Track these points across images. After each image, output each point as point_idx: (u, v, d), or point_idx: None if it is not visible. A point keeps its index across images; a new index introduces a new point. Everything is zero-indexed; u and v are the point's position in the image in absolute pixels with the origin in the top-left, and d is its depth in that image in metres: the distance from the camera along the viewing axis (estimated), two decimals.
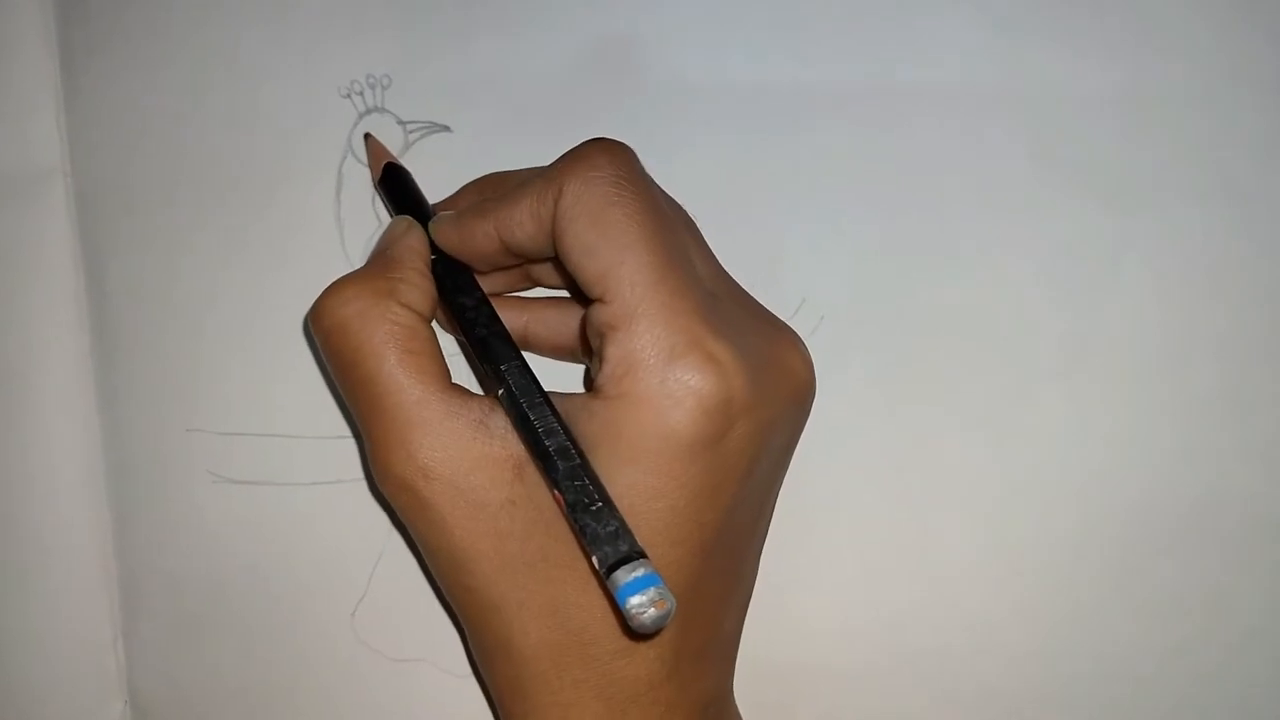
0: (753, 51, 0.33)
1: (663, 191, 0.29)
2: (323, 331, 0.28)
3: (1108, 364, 0.33)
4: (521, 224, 0.28)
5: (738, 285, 0.30)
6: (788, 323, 0.30)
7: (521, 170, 0.32)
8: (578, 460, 0.26)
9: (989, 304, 0.33)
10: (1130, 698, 0.34)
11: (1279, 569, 0.34)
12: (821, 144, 0.33)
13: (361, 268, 0.29)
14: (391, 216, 0.32)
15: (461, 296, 0.29)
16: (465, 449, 0.27)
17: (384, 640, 0.34)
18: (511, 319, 0.32)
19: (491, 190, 0.31)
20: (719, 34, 0.33)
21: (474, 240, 0.29)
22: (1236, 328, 0.33)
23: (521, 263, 0.31)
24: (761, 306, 0.30)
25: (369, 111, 0.33)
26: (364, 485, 0.34)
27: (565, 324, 0.32)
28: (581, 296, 0.30)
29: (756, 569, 0.31)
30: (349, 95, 0.33)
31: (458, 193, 0.32)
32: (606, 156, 0.27)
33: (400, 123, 0.33)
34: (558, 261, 0.30)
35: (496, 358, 0.28)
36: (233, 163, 0.34)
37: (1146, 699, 0.34)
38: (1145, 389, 0.33)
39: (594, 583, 0.27)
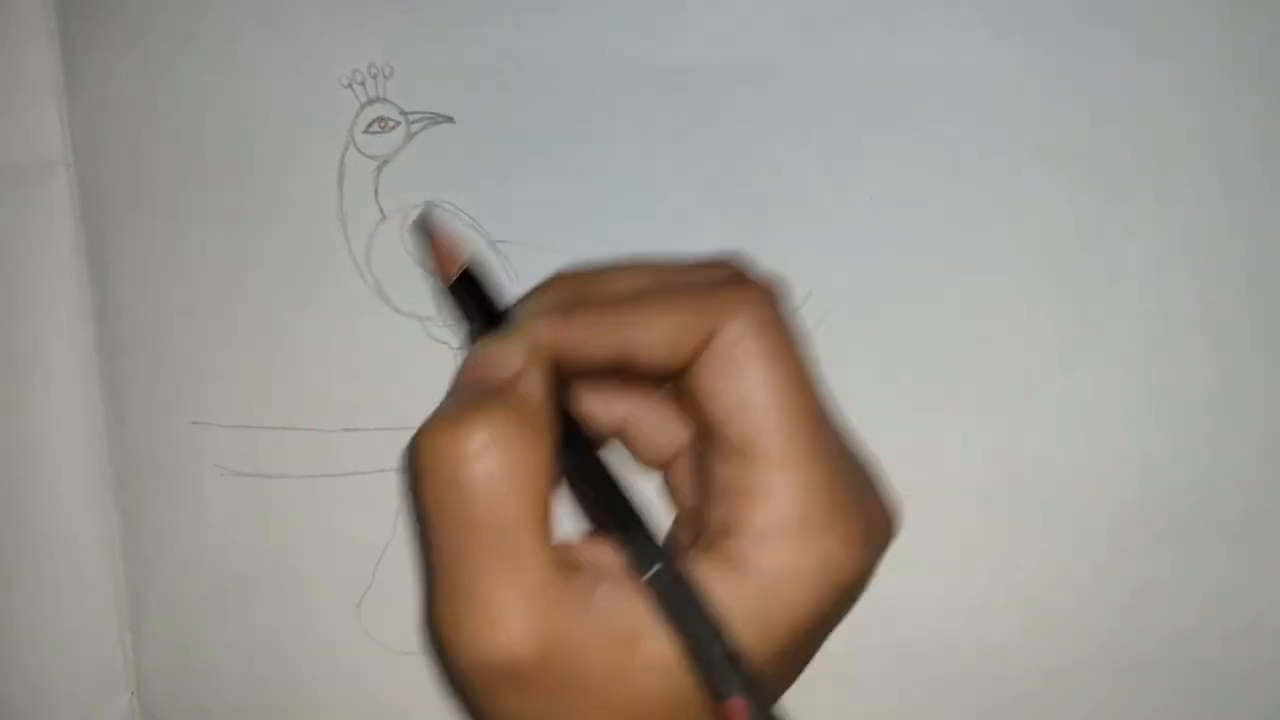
0: (760, 41, 0.33)
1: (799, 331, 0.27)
2: (452, 466, 0.24)
3: (1109, 356, 0.33)
4: (652, 346, 0.25)
5: (847, 429, 0.28)
6: None
7: (625, 270, 0.28)
8: (750, 672, 0.24)
9: (992, 297, 0.33)
10: (1128, 689, 0.34)
11: (1278, 561, 0.34)
12: (827, 136, 0.33)
13: (497, 399, 0.25)
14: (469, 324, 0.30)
15: (598, 476, 0.26)
16: (578, 626, 0.24)
17: (389, 632, 0.34)
18: (610, 408, 0.29)
19: (589, 293, 0.27)
20: (726, 24, 0.33)
21: (585, 350, 0.26)
22: (1236, 320, 0.33)
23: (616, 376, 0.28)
24: (855, 446, 0.28)
25: (371, 101, 0.33)
26: (369, 478, 0.34)
27: (668, 431, 0.29)
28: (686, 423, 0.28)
29: None
30: (350, 85, 0.33)
31: (537, 291, 0.28)
32: (770, 303, 0.26)
33: (402, 113, 0.33)
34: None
35: (649, 556, 0.25)
36: (234, 153, 0.33)
37: (1144, 689, 0.34)
38: (1146, 381, 0.33)
39: None
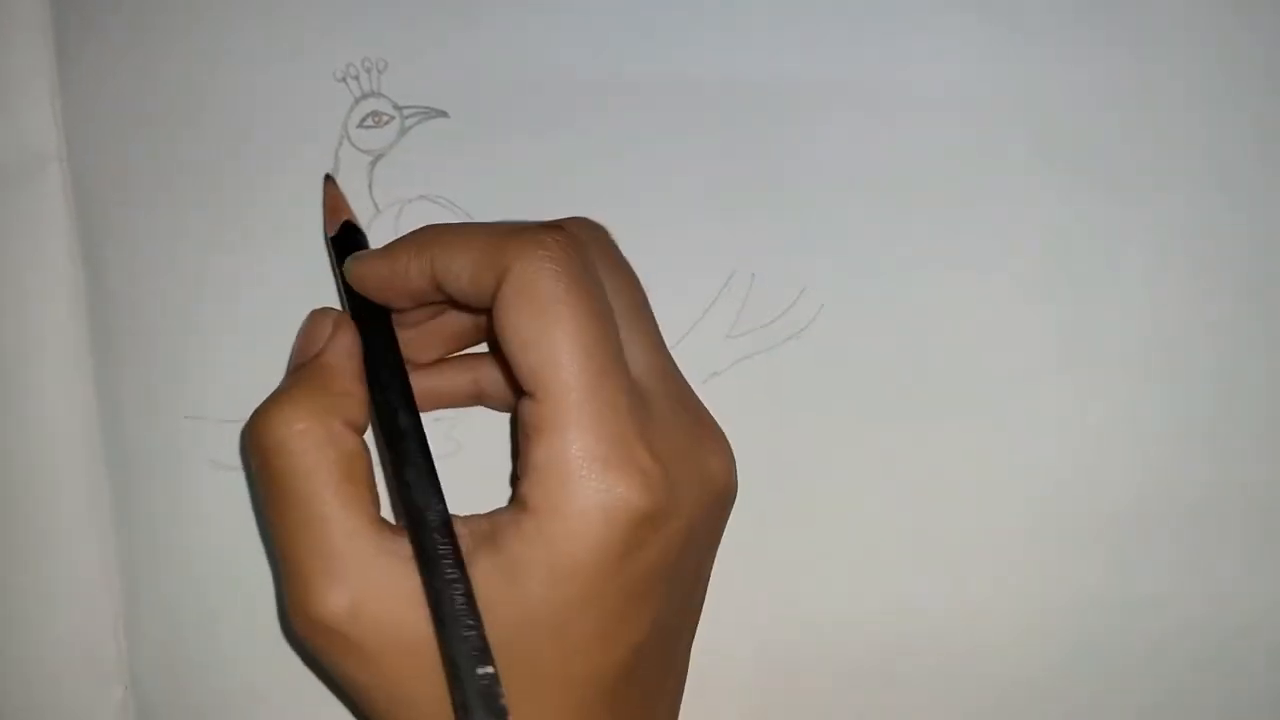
0: (756, 42, 0.33)
1: (621, 265, 0.29)
2: (261, 451, 0.27)
3: (1106, 355, 0.33)
4: (458, 276, 0.27)
5: (676, 376, 0.29)
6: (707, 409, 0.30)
7: (463, 225, 0.31)
8: (474, 630, 0.25)
9: (988, 295, 0.33)
10: (1127, 688, 0.34)
11: (1276, 557, 0.34)
12: (823, 135, 0.33)
13: (296, 378, 0.28)
14: (337, 274, 0.31)
15: (394, 416, 0.28)
16: (394, 586, 0.26)
17: None
18: (459, 376, 0.31)
19: (429, 235, 0.29)
20: (722, 25, 0.33)
21: (406, 274, 0.28)
22: (1232, 318, 0.33)
23: (448, 305, 0.30)
24: (695, 400, 0.29)
25: (365, 96, 0.33)
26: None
27: (473, 378, 0.32)
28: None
29: (688, 657, 0.31)
30: (345, 79, 0.33)
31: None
32: (559, 245, 0.26)
33: (396, 108, 0.33)
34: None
35: (417, 503, 0.26)
36: (228, 148, 0.33)
37: (1142, 689, 0.34)
38: (1143, 379, 0.33)
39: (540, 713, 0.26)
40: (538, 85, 0.33)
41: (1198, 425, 0.34)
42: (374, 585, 0.26)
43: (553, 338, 0.26)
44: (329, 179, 0.32)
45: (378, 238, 0.33)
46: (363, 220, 0.33)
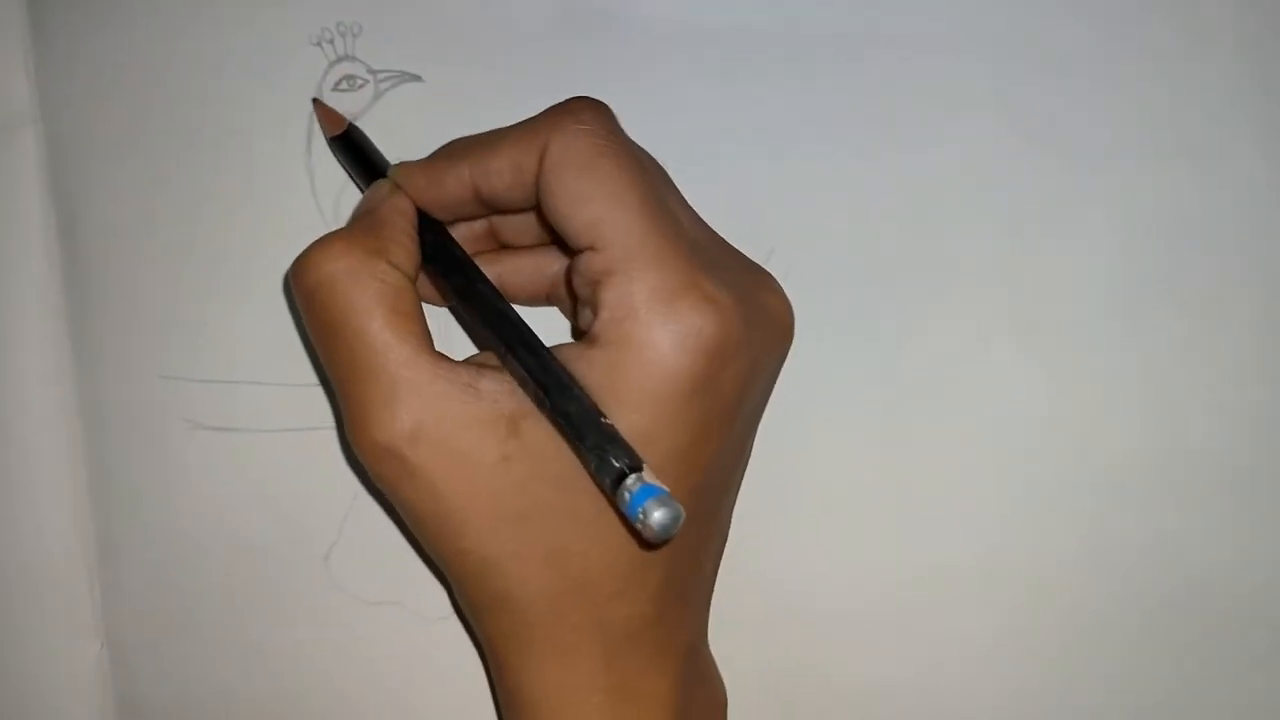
0: (726, 2, 0.33)
1: (639, 146, 0.29)
2: (306, 288, 0.27)
3: (1070, 319, 0.34)
4: (500, 172, 0.28)
5: (715, 232, 0.30)
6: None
7: (490, 130, 0.31)
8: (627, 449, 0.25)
9: (953, 259, 0.34)
10: (1095, 645, 0.35)
11: (1236, 519, 0.34)
12: (791, 97, 0.33)
13: (347, 226, 0.29)
14: (353, 178, 0.32)
15: (452, 250, 0.29)
16: (455, 410, 0.26)
17: (357, 584, 0.34)
18: (485, 270, 0.32)
19: (461, 145, 0.30)
20: None
21: (444, 186, 0.29)
22: (1194, 285, 0.34)
23: (486, 214, 0.31)
24: (739, 252, 0.30)
25: (339, 60, 0.33)
26: (337, 432, 0.34)
27: (539, 270, 0.32)
28: (565, 248, 0.30)
29: (729, 521, 0.31)
30: (319, 43, 0.33)
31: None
32: (590, 111, 0.27)
33: (371, 71, 0.33)
34: (533, 217, 0.30)
35: (494, 306, 0.28)
36: (203, 110, 0.34)
37: (1110, 645, 0.35)
38: (1106, 345, 0.34)
39: (591, 527, 0.27)
40: (512, 48, 0.33)
41: (1163, 390, 0.34)
42: (433, 409, 0.26)
43: (605, 188, 0.26)
44: (316, 101, 0.33)
45: (351, 200, 0.33)
46: (336, 184, 0.34)
